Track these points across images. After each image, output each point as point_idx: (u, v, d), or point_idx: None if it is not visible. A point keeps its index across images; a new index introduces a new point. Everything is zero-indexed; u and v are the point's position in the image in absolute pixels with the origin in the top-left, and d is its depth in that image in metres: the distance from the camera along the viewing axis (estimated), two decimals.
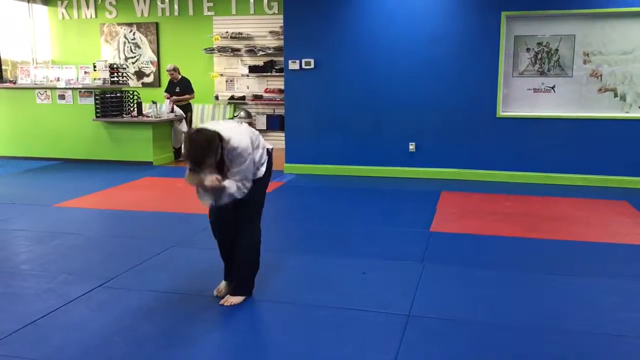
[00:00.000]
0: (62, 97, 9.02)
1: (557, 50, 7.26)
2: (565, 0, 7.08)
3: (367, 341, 3.05)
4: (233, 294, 3.56)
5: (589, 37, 7.16)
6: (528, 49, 7.35)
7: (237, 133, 3.33)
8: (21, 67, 9.89)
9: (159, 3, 11.05)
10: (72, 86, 8.98)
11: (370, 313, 3.38)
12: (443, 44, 7.43)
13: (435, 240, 4.85)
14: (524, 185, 7.21)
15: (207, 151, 3.14)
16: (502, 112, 7.42)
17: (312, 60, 7.86)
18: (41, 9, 11.58)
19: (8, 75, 10.50)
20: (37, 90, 9.12)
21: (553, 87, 7.34)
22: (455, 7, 7.39)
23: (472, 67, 7.40)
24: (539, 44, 7.31)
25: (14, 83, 9.56)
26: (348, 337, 3.09)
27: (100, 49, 11.47)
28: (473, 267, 4.18)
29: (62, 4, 11.53)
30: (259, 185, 3.53)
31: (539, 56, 7.33)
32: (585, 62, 7.22)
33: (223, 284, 3.70)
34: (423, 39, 7.48)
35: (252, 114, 10.90)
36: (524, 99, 7.44)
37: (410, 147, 7.71)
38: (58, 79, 9.18)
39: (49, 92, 9.07)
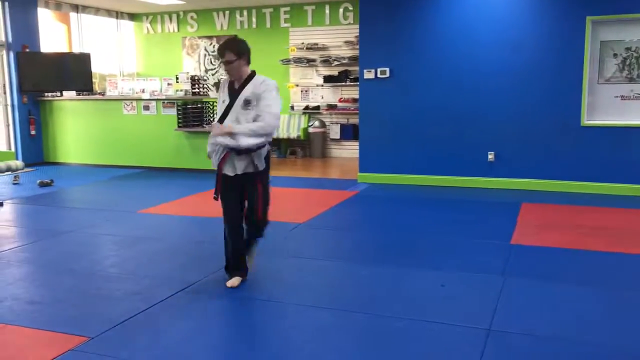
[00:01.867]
0: (146, 107, 9.43)
1: None
2: None
3: (446, 355, 2.99)
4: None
5: None
6: (615, 55, 7.02)
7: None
8: (109, 80, 10.44)
9: (237, 16, 11.38)
10: (156, 97, 9.38)
11: (449, 326, 3.31)
12: (524, 50, 7.23)
13: (516, 253, 4.70)
14: (610, 197, 6.87)
15: (238, 43, 3.79)
16: (586, 121, 7.11)
17: (387, 69, 7.84)
18: (128, 24, 12.20)
19: (97, 87, 11.10)
20: (123, 102, 9.59)
21: None
22: (537, 12, 7.17)
23: (555, 74, 7.15)
24: (627, 49, 6.96)
25: (103, 95, 10.10)
26: (427, 350, 3.04)
27: (182, 61, 11.93)
28: (556, 282, 4.02)
29: (147, 19, 12.09)
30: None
31: (627, 62, 6.99)
32: None
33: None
34: (503, 45, 7.30)
35: (326, 123, 11.00)
36: (610, 107, 7.10)
37: (490, 156, 7.52)
38: (143, 91, 9.61)
39: (134, 103, 9.51)
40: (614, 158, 7.04)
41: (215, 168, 3.90)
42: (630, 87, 7.00)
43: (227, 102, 3.82)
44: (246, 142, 3.66)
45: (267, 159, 3.92)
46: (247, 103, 3.72)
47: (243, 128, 3.67)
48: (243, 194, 3.94)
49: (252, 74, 3.81)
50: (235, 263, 4.01)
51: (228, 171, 3.83)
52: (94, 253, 4.95)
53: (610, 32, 7.01)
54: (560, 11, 7.07)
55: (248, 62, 3.81)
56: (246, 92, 3.73)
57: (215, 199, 3.94)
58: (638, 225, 5.66)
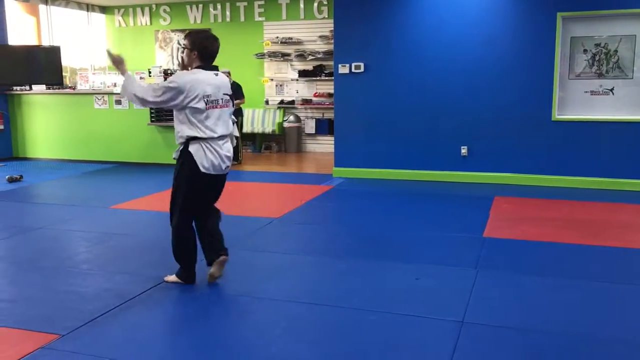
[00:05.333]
0: (118, 102, 9.30)
1: (616, 51, 7.02)
2: (625, 0, 6.85)
3: (419, 347, 3.02)
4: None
5: None
6: (585, 50, 7.14)
7: (188, 74, 3.68)
8: (80, 74, 10.27)
9: (211, 10, 11.28)
10: None
11: (423, 319, 3.34)
12: (497, 45, 7.30)
13: (489, 246, 4.76)
14: (580, 190, 7.00)
15: (192, 34, 3.75)
16: (557, 116, 7.23)
17: (361, 64, 7.85)
18: (99, 17, 12.00)
19: (67, 81, 10.90)
20: (95, 96, 9.43)
21: (612, 90, 7.11)
22: (509, 8, 7.25)
23: (527, 69, 7.24)
24: (597, 44, 7.09)
25: (74, 89, 9.93)
26: (400, 342, 3.07)
27: (155, 55, 11.78)
28: (528, 274, 4.08)
29: (118, 12, 11.91)
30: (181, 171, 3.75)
31: (597, 57, 7.11)
32: None
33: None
34: (476, 41, 7.37)
35: (301, 118, 10.98)
36: (580, 102, 7.23)
37: (463, 150, 7.60)
38: (115, 85, 9.47)
39: (106, 97, 9.37)
40: (583, 152, 7.17)
41: None
42: (600, 82, 7.13)
43: None
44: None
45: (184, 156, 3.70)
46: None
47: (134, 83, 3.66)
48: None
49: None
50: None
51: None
52: (65, 249, 4.87)
53: (580, 28, 7.12)
54: (532, 7, 7.16)
55: (199, 58, 3.71)
56: None
57: None
58: (607, 217, 5.78)
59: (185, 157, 3.68)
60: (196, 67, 3.70)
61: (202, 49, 3.69)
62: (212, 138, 3.66)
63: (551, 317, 3.35)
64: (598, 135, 7.11)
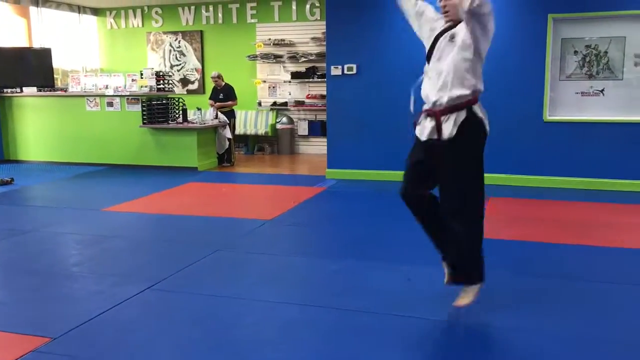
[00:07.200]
0: (110, 104, 9.26)
1: (606, 52, 7.06)
2: (615, 2, 6.89)
3: (411, 348, 3.02)
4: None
5: None
6: (576, 52, 7.17)
7: None
8: (72, 76, 10.22)
9: (203, 12, 11.27)
10: (120, 93, 9.22)
11: (415, 319, 3.34)
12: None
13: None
14: (572, 191, 7.03)
15: None
16: (548, 117, 7.26)
17: (354, 66, 7.86)
18: (90, 19, 11.96)
19: (59, 83, 10.85)
20: (86, 98, 9.40)
21: (602, 91, 7.15)
22: (500, 9, 7.25)
23: (518, 70, 7.27)
24: (588, 46, 7.12)
25: (65, 91, 9.88)
26: (392, 343, 3.06)
27: (147, 57, 11.76)
28: (521, 275, 4.09)
29: (110, 14, 11.88)
30: (466, 150, 3.05)
31: (587, 59, 7.15)
32: (636, 64, 7.00)
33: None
34: None
35: (294, 119, 10.98)
36: (571, 103, 7.26)
37: None
38: (106, 87, 9.44)
39: (97, 99, 9.33)
40: (574, 152, 7.21)
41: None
42: (590, 83, 7.17)
43: (430, 41, 3.21)
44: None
45: (471, 125, 2.97)
46: (452, 37, 3.09)
47: None
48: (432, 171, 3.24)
49: None
50: (445, 256, 3.38)
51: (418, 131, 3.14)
52: (56, 252, 4.84)
53: (571, 29, 7.16)
54: (523, 9, 7.19)
55: None
56: (456, 29, 3.09)
57: None
58: (600, 218, 5.81)
59: (474, 124, 3.06)
60: None
61: None
62: None
63: (547, 318, 3.36)
64: (589, 135, 7.15)
